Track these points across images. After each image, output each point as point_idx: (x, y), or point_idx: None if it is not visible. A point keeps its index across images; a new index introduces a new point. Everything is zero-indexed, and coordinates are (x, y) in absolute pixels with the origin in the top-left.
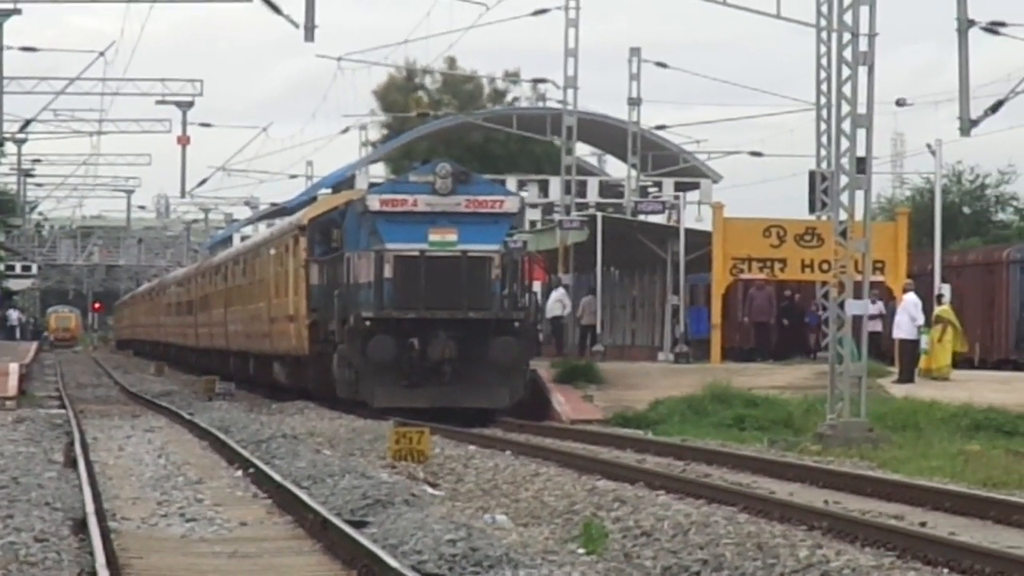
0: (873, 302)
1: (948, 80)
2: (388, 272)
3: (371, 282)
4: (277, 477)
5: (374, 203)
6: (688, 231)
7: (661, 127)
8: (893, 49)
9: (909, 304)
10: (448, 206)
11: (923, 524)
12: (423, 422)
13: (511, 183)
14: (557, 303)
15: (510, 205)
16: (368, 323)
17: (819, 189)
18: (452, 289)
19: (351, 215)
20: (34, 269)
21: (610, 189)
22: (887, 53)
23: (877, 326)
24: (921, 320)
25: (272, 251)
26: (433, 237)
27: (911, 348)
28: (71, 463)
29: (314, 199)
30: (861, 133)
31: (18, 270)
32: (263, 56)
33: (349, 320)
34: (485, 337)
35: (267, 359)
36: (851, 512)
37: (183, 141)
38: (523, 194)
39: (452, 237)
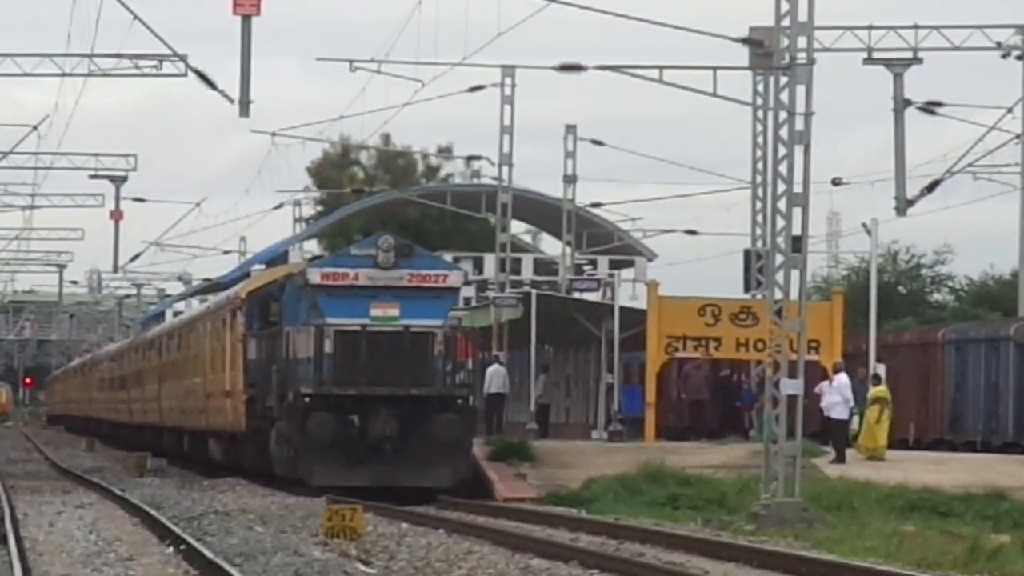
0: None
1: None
2: (328, 347)
3: (311, 357)
4: (209, 554)
5: (315, 276)
6: (623, 309)
7: (596, 205)
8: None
9: (841, 384)
10: (390, 280)
11: None
12: (358, 499)
13: (446, 259)
14: (495, 379)
15: (453, 280)
16: (307, 399)
17: (754, 268)
18: (394, 365)
19: (290, 289)
20: None
21: (545, 267)
22: (832, 134)
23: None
24: (852, 400)
25: (208, 325)
26: (375, 312)
27: (843, 428)
28: (1, 539)
29: (247, 275)
30: (797, 212)
31: None
32: (199, 132)
33: (288, 396)
34: (427, 414)
35: (202, 435)
36: None
37: (116, 216)
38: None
39: (394, 312)
